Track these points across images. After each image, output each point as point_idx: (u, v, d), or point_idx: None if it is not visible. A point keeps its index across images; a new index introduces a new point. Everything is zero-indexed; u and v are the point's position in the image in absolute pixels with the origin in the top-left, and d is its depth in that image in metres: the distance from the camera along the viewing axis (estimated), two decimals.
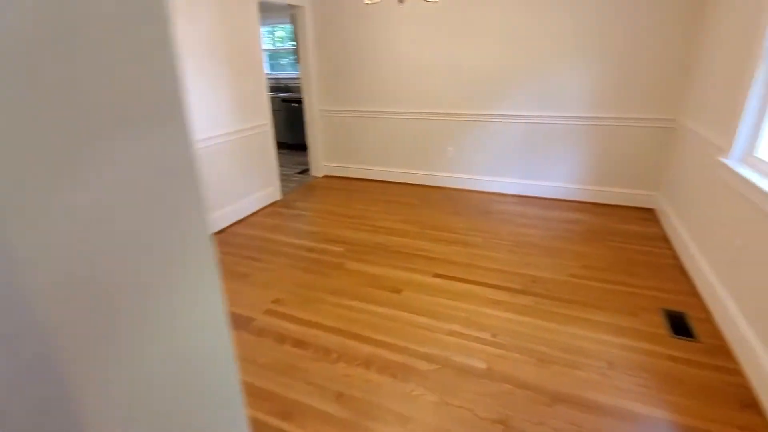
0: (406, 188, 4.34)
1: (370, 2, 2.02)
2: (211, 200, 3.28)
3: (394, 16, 3.86)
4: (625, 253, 2.84)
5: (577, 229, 3.27)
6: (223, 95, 3.22)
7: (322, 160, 4.83)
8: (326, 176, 4.85)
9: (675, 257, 2.77)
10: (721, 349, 1.91)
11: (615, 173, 3.65)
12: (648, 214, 3.50)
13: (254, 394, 1.72)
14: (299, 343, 2.02)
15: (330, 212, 3.74)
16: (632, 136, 3.49)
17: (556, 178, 3.87)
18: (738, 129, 2.13)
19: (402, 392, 1.71)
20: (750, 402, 1.62)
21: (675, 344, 1.95)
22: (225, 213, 3.43)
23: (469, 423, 1.57)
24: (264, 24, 6.38)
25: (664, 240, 3.02)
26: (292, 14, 4.20)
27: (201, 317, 0.58)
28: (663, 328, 2.06)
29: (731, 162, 2.15)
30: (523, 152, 3.90)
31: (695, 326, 2.07)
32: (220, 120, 3.24)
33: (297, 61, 4.83)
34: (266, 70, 6.59)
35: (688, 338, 1.98)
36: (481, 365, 1.86)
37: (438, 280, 2.57)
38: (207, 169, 3.19)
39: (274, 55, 6.62)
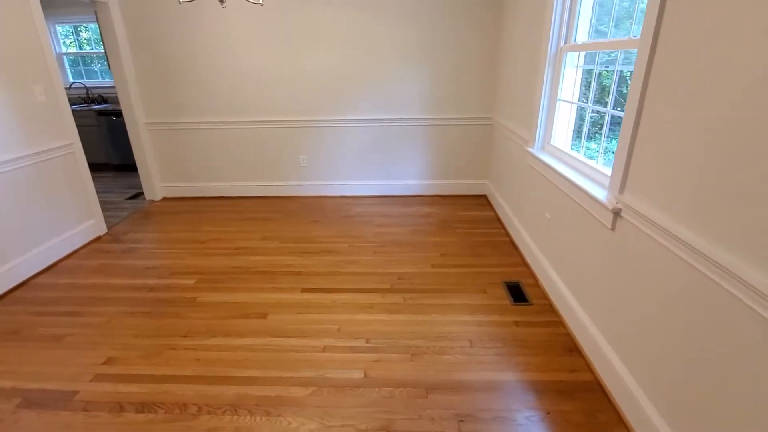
0: (260, 202, 4.07)
1: (184, 0, 1.77)
2: None
3: (221, 17, 3.57)
4: (470, 237, 3.19)
5: (430, 221, 3.54)
6: None
7: (157, 181, 4.19)
8: (165, 199, 4.23)
9: (507, 235, 3.22)
10: (547, 307, 2.28)
11: (453, 167, 4.09)
12: (482, 200, 4.02)
13: None
14: (145, 407, 1.67)
15: (174, 240, 3.26)
16: (462, 134, 3.96)
17: (408, 176, 4.14)
18: (537, 122, 2.58)
19: (278, 429, 1.56)
20: (572, 347, 1.96)
21: (516, 310, 2.25)
22: (22, 262, 2.66)
23: None
24: (61, 22, 5.23)
25: (498, 221, 3.50)
26: (95, 11, 3.49)
27: None
28: (506, 299, 2.36)
29: (534, 150, 2.59)
30: (375, 154, 4.05)
31: (528, 291, 2.43)
32: None
33: (109, 67, 4.07)
34: (71, 78, 5.47)
35: (524, 303, 2.31)
36: (358, 375, 1.82)
37: (306, 296, 2.45)
38: None
39: (83, 60, 5.49)
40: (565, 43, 2.31)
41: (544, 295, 2.39)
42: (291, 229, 3.41)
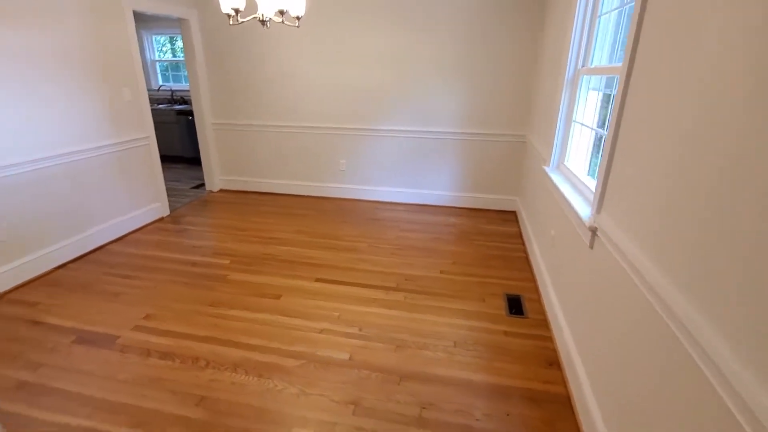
0: (300, 200, 4.45)
1: (234, 23, 2.13)
2: (84, 217, 3.08)
3: (280, 34, 4.02)
4: (486, 250, 3.26)
5: (453, 231, 3.66)
6: (91, 107, 3.06)
7: (217, 174, 4.75)
8: (222, 190, 4.77)
9: (524, 251, 3.25)
10: (542, 322, 2.32)
11: (484, 182, 4.16)
12: (511, 216, 4.04)
13: (106, 409, 1.69)
14: (166, 356, 2.01)
15: (221, 226, 3.71)
16: (496, 150, 4.03)
17: (438, 187, 4.28)
18: (554, 143, 2.63)
19: (264, 389, 1.81)
20: (553, 361, 2.00)
21: (509, 321, 2.32)
22: (100, 230, 3.23)
23: (323, 407, 1.71)
24: (157, 33, 6.11)
25: (519, 237, 3.53)
26: (180, 26, 4.13)
27: None
28: (502, 310, 2.43)
29: (549, 169, 2.64)
30: (409, 163, 4.25)
31: (528, 306, 2.48)
32: (90, 133, 3.07)
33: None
34: (160, 81, 6.34)
35: (519, 316, 2.36)
36: (344, 357, 2.02)
37: (318, 284, 2.71)
38: (76, 184, 2.99)
39: (173, 66, 6.34)
40: (583, 65, 2.36)
41: (542, 311, 2.42)
42: (321, 227, 3.72)
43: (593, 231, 1.66)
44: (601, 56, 2.29)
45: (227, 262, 3.02)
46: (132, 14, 3.33)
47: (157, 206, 3.84)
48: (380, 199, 4.44)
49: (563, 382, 1.87)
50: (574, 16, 2.33)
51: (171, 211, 4.05)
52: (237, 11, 2.01)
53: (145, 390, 1.80)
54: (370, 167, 4.35)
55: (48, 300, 2.49)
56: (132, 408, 1.70)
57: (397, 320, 2.33)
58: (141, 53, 6.09)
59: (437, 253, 3.21)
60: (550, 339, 2.17)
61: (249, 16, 2.04)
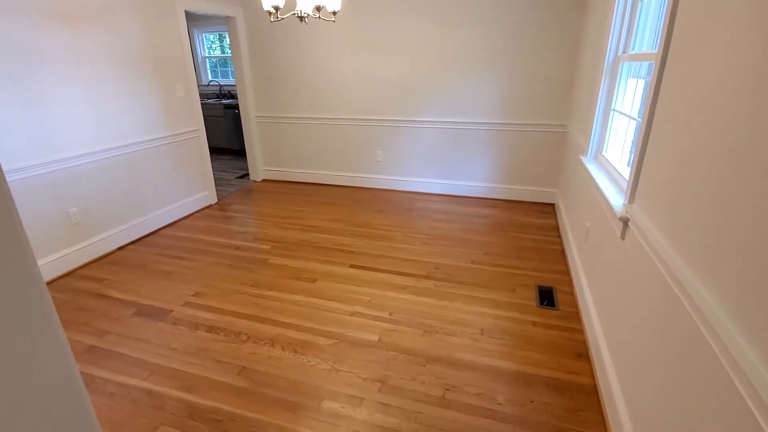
0: (338, 190, 4.59)
1: (275, 20, 2.26)
2: (140, 204, 3.38)
3: (319, 30, 4.14)
4: (520, 242, 3.23)
5: (486, 222, 3.65)
6: (149, 102, 3.33)
7: (260, 165, 4.99)
8: (265, 180, 5.01)
9: (561, 243, 3.19)
10: (573, 314, 2.29)
11: (522, 173, 4.09)
12: (548, 208, 3.95)
13: (161, 373, 1.89)
14: (212, 329, 2.21)
15: (263, 214, 3.92)
16: (534, 140, 3.94)
17: (473, 178, 4.26)
18: (591, 132, 2.56)
19: (298, 363, 1.94)
20: (582, 352, 1.99)
21: (538, 312, 2.31)
22: (156, 216, 3.53)
23: (352, 383, 1.82)
24: (207, 31, 6.45)
25: (556, 229, 3.46)
26: (227, 24, 4.36)
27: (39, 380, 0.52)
28: (533, 300, 2.43)
29: (586, 159, 2.57)
30: (444, 155, 4.26)
31: (560, 298, 2.45)
32: (146, 126, 3.35)
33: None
34: (210, 77, 6.71)
35: (550, 307, 2.35)
36: (373, 338, 2.12)
37: (352, 270, 2.82)
38: (134, 173, 3.29)
39: (222, 62, 6.68)
40: (624, 52, 2.28)
41: (574, 304, 2.39)
42: (357, 216, 3.83)
43: (625, 222, 1.64)
44: (642, 42, 2.20)
45: (268, 247, 3.20)
46: (184, 14, 3.57)
47: (206, 194, 4.11)
48: (415, 190, 4.48)
49: (590, 373, 1.86)
50: (615, 0, 2.25)
51: (218, 199, 4.33)
52: (277, 8, 2.13)
53: (193, 358, 1.99)
54: (406, 158, 4.40)
55: (111, 276, 2.78)
56: (182, 373, 1.89)
57: (427, 307, 2.39)
58: (192, 50, 6.47)
59: (469, 243, 3.23)
60: (580, 331, 2.14)
61: (288, 13, 2.15)
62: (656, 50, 1.62)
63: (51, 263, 2.73)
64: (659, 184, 1.38)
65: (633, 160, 1.60)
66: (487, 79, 3.85)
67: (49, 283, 2.69)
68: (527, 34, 3.60)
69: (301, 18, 2.26)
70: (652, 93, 1.47)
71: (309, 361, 1.96)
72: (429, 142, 4.25)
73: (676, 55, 1.33)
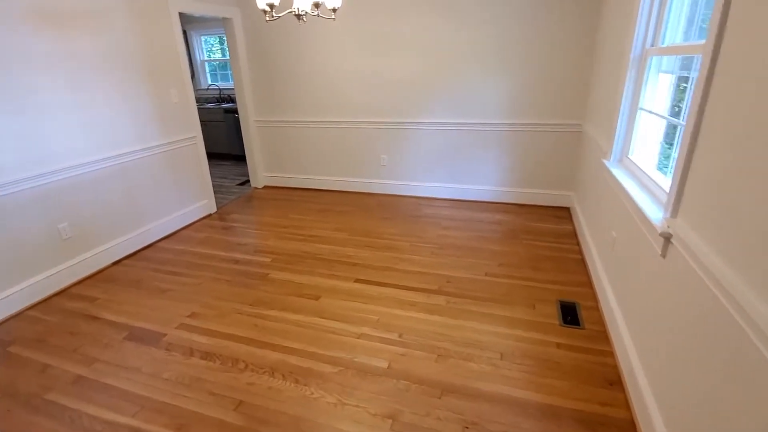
0: (341, 196, 4.41)
1: (270, 19, 2.08)
2: (136, 216, 3.22)
3: (318, 29, 3.96)
4: (536, 250, 3.03)
5: (498, 229, 3.46)
6: (142, 108, 3.18)
7: (261, 171, 4.83)
8: (266, 187, 4.85)
9: (580, 252, 2.98)
10: (601, 334, 2.09)
11: (535, 176, 3.89)
12: (564, 213, 3.75)
13: (151, 408, 1.72)
14: (207, 356, 2.04)
15: (264, 223, 3.76)
16: (547, 141, 3.74)
17: (484, 182, 4.07)
18: (615, 133, 2.36)
19: (301, 395, 1.77)
20: (615, 380, 1.79)
21: (562, 332, 2.12)
22: (152, 228, 3.37)
23: (360, 420, 1.64)
24: (206, 34, 6.30)
25: (574, 236, 3.25)
26: (224, 25, 4.20)
27: None
28: (555, 318, 2.23)
29: (610, 163, 2.37)
30: (452, 158, 4.07)
31: (584, 314, 2.26)
32: (140, 133, 3.19)
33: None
34: (209, 80, 6.56)
35: (574, 326, 2.15)
36: (382, 365, 1.94)
37: (357, 285, 2.64)
38: (129, 184, 3.13)
39: (222, 66, 6.53)
40: (652, 45, 2.07)
41: (600, 321, 2.19)
42: (361, 223, 3.65)
43: (667, 238, 1.44)
44: (675, 34, 1.99)
45: (268, 260, 3.04)
46: (178, 16, 3.40)
47: (205, 203, 3.96)
48: (422, 195, 4.30)
49: (625, 404, 1.66)
50: None
51: (218, 208, 4.17)
52: (272, 6, 1.95)
53: (186, 390, 1.82)
54: (412, 162, 4.22)
55: (104, 295, 2.62)
56: (173, 408, 1.73)
57: (439, 326, 2.21)
58: (191, 53, 6.32)
59: (481, 253, 3.04)
60: (610, 354, 1.95)
61: (284, 11, 2.00)
62: (702, 41, 1.42)
63: (41, 282, 2.58)
64: (712, 196, 1.19)
65: (677, 168, 1.41)
66: (496, 77, 3.65)
67: (40, 303, 2.54)
68: (539, 26, 3.40)
69: (298, 16, 2.09)
70: (701, 91, 1.27)
71: (312, 393, 1.78)
72: (436, 144, 4.06)
73: (733, 44, 1.13)
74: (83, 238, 2.84)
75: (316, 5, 1.99)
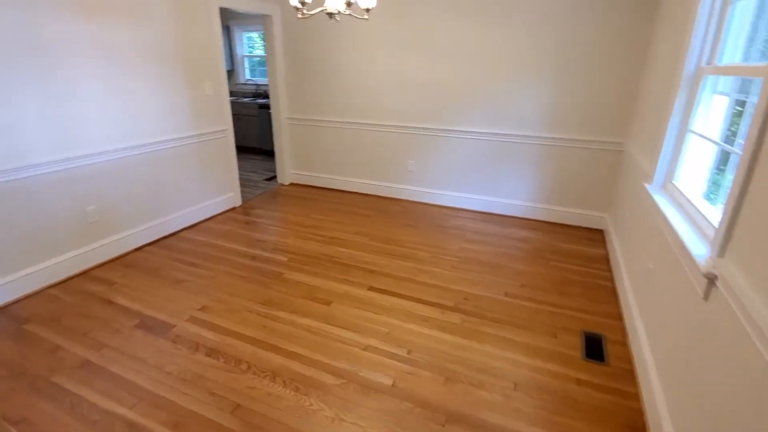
0: (365, 199, 4.35)
1: (302, 16, 2.05)
2: (161, 204, 3.28)
3: (355, 29, 3.93)
4: (562, 273, 2.86)
5: (525, 247, 3.29)
6: (176, 99, 3.23)
7: (288, 168, 4.85)
8: (293, 184, 4.86)
9: (611, 279, 2.79)
10: (627, 374, 1.92)
11: (568, 193, 3.69)
12: (597, 235, 3.53)
13: (150, 402, 1.71)
14: (212, 352, 2.01)
15: (285, 221, 3.75)
16: (584, 158, 3.54)
17: (514, 196, 3.90)
18: (660, 156, 2.18)
19: (299, 406, 1.71)
20: (638, 427, 1.63)
21: (584, 367, 1.96)
22: (176, 217, 3.43)
23: None
24: (248, 30, 6.42)
25: (606, 261, 3.05)
26: (263, 22, 4.24)
27: None
28: (578, 350, 2.07)
29: (652, 188, 2.19)
30: (482, 168, 3.93)
31: (610, 349, 2.08)
32: (173, 124, 3.25)
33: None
34: (248, 76, 6.68)
35: (598, 361, 1.99)
36: (387, 382, 1.85)
37: (371, 294, 2.57)
38: (157, 173, 3.19)
39: (262, 62, 6.62)
40: (708, 63, 1.89)
41: (628, 359, 2.02)
42: (383, 229, 3.58)
43: (711, 279, 1.28)
44: (734, 53, 1.81)
45: (285, 259, 3.01)
46: (218, 11, 3.46)
47: (231, 196, 4.00)
48: (448, 204, 4.17)
49: None
50: (699, 1, 1.87)
51: (243, 202, 4.21)
52: (303, 3, 1.91)
53: (187, 387, 1.80)
54: (440, 169, 4.11)
55: (122, 280, 2.67)
56: (172, 405, 1.70)
57: (451, 346, 2.10)
58: (231, 48, 6.46)
59: (504, 271, 2.89)
60: (635, 397, 1.78)
61: (317, 8, 1.96)
62: (765, 63, 1.27)
63: (65, 262, 2.66)
64: (766, 236, 1.03)
65: (729, 200, 1.25)
66: (535, 88, 3.49)
67: (60, 283, 2.62)
68: (585, 36, 3.22)
69: (330, 15, 2.04)
70: (761, 117, 1.12)
71: (311, 405, 1.71)
72: (467, 153, 3.94)
73: None
74: (109, 222, 2.91)
75: (348, 4, 1.94)
